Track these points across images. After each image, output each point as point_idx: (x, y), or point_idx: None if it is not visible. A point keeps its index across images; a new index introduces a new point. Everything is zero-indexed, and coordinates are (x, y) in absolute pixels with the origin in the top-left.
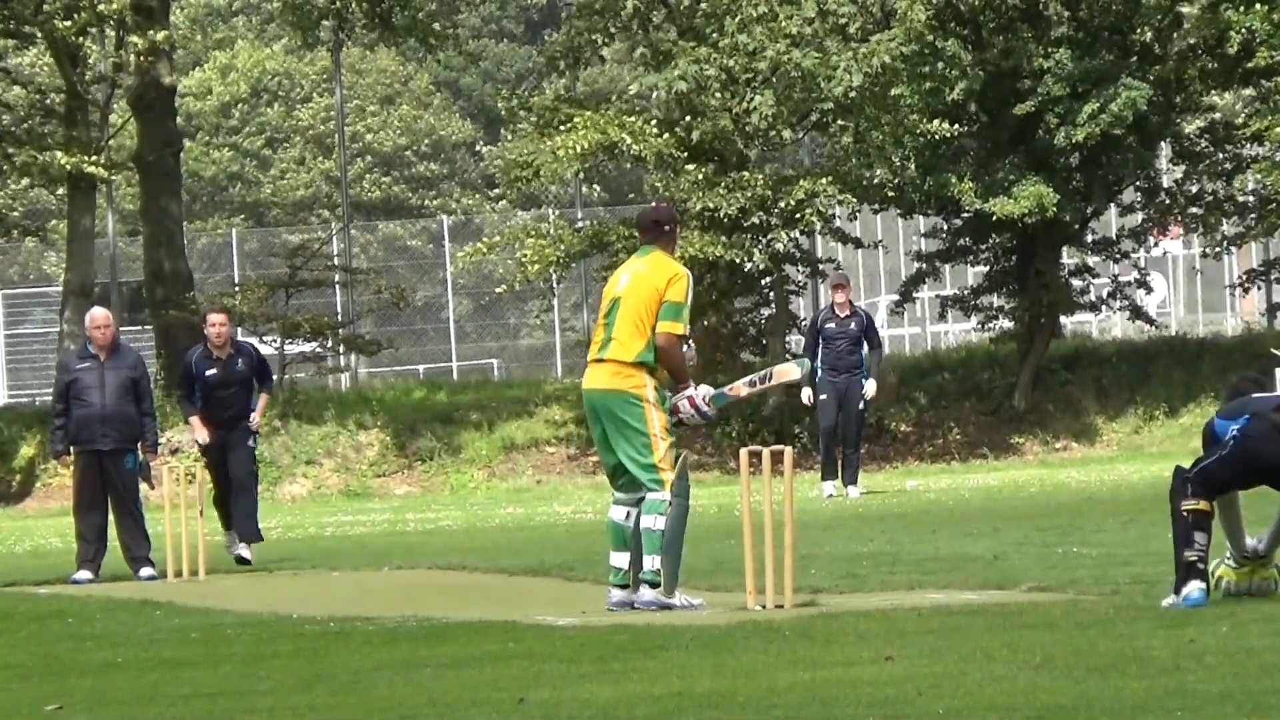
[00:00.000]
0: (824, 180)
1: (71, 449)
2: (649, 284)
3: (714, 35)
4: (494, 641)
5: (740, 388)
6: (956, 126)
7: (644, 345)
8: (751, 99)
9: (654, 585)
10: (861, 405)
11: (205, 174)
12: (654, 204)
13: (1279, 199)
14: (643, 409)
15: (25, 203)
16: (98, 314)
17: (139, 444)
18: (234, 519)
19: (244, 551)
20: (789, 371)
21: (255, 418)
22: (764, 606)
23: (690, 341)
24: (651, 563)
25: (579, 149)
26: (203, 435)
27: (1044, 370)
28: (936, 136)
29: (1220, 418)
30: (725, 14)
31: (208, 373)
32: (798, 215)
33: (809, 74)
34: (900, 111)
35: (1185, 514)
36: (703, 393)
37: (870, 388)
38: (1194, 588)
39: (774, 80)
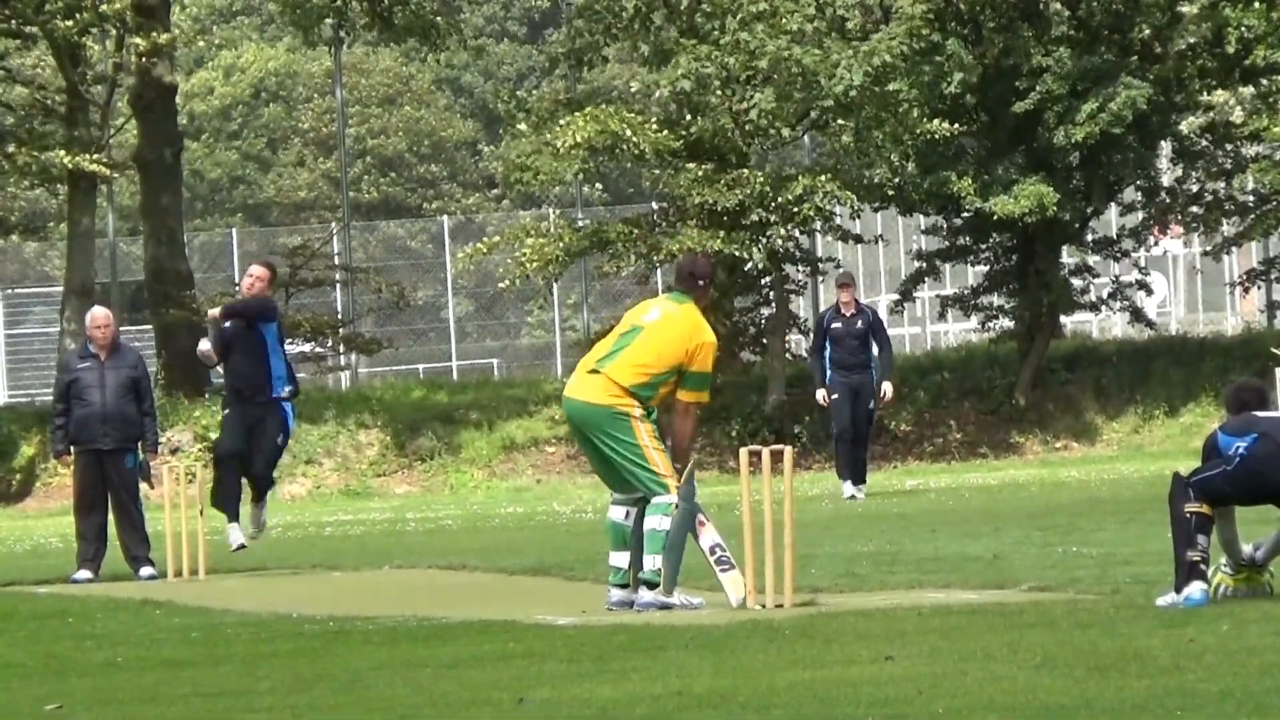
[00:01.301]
0: (823, 177)
1: (72, 448)
2: (678, 332)
3: (715, 33)
4: (494, 641)
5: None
6: (956, 126)
7: (644, 380)
8: (751, 96)
9: (652, 586)
10: (872, 404)
11: (209, 175)
12: (695, 254)
13: (1278, 198)
14: (629, 422)
15: (26, 203)
16: (98, 313)
17: (139, 443)
18: (251, 483)
19: (257, 526)
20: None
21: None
22: (764, 606)
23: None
24: (652, 563)
25: (578, 139)
26: (205, 345)
27: (1044, 370)
28: (936, 136)
29: (1224, 433)
30: (726, 12)
31: (225, 325)
32: (796, 211)
33: (809, 72)
34: (900, 108)
35: (1188, 515)
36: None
37: (888, 390)
38: (1196, 588)
39: (775, 78)
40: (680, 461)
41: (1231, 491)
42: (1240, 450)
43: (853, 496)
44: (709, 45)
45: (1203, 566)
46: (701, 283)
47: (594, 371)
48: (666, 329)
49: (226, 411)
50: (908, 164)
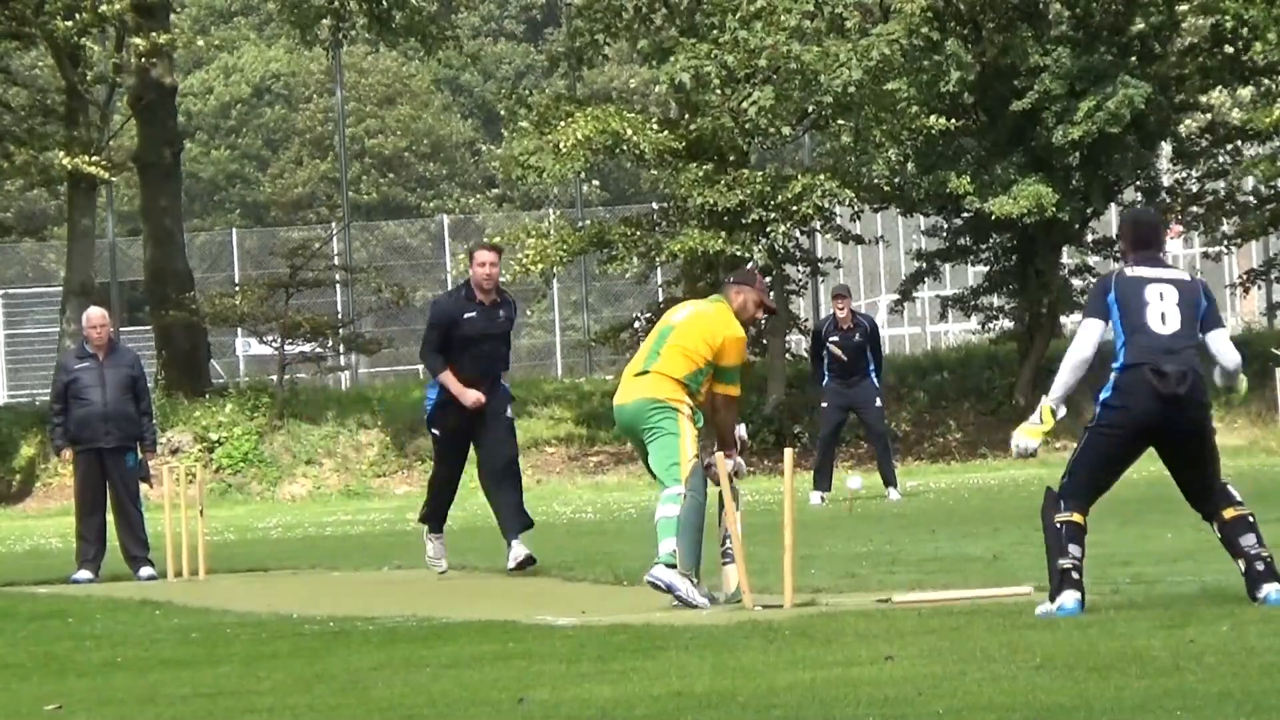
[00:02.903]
0: (822, 176)
1: (72, 448)
2: (705, 326)
3: (714, 32)
4: (494, 641)
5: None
6: (953, 121)
7: (693, 369)
8: (749, 94)
9: (670, 566)
10: (879, 402)
11: (204, 175)
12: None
13: (1277, 198)
14: (676, 418)
15: (24, 202)
16: (94, 314)
17: (138, 443)
18: (503, 514)
19: (522, 551)
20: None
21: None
22: (764, 606)
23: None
24: (667, 545)
25: (580, 137)
26: (470, 397)
27: (1044, 370)
28: (933, 131)
29: (1116, 296)
30: (725, 11)
31: (465, 316)
32: (794, 209)
33: (807, 67)
34: (898, 106)
35: (1058, 525)
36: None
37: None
38: (1069, 598)
39: (774, 78)
40: (725, 448)
41: (1106, 454)
42: (1102, 399)
43: (819, 505)
44: (708, 44)
45: (1075, 575)
46: (731, 280)
47: (642, 373)
48: (698, 321)
49: (438, 434)
50: (907, 164)
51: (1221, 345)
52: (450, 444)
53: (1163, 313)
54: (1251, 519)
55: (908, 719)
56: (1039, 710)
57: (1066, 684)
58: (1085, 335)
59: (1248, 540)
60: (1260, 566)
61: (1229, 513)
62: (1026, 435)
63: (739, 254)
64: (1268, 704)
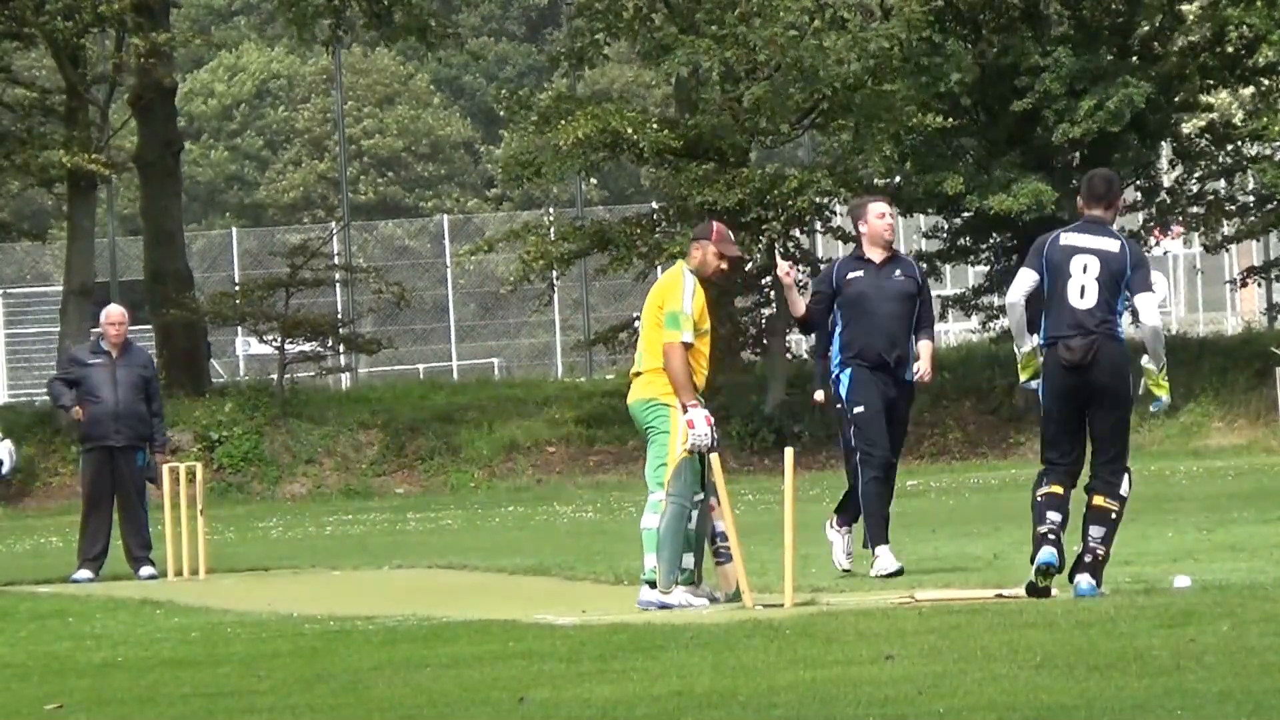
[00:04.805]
0: (819, 173)
1: (80, 446)
2: (656, 295)
3: (713, 28)
4: (494, 641)
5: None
6: (950, 120)
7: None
8: (749, 88)
9: (653, 585)
10: None
11: (202, 179)
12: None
13: (1278, 198)
14: (668, 415)
15: (22, 202)
16: (114, 311)
17: (148, 443)
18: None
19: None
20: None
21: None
22: (764, 606)
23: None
24: (649, 561)
25: (580, 135)
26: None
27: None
28: (930, 129)
29: (1037, 257)
30: (724, 8)
31: (850, 275)
32: (790, 204)
33: (805, 62)
34: (895, 105)
35: (1040, 498)
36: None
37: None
38: (1044, 552)
39: (774, 75)
40: (680, 398)
41: (1051, 410)
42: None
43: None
44: (707, 40)
45: (1051, 537)
46: (693, 238)
47: (637, 374)
48: (651, 298)
49: (860, 410)
50: (905, 163)
51: (1144, 308)
52: (873, 423)
53: (1083, 286)
54: (1114, 516)
55: (908, 718)
56: (1039, 710)
57: (1066, 684)
58: (1017, 283)
59: (1095, 532)
60: (1088, 558)
61: (1099, 500)
62: (1024, 379)
63: (739, 254)
64: (1268, 704)
